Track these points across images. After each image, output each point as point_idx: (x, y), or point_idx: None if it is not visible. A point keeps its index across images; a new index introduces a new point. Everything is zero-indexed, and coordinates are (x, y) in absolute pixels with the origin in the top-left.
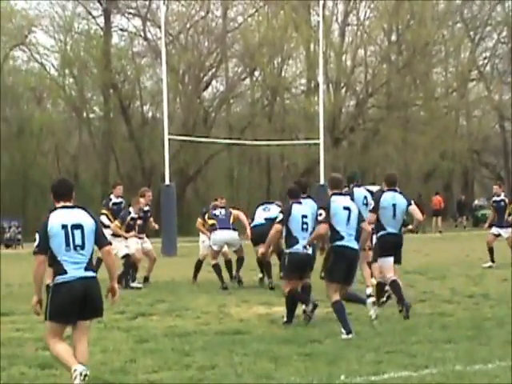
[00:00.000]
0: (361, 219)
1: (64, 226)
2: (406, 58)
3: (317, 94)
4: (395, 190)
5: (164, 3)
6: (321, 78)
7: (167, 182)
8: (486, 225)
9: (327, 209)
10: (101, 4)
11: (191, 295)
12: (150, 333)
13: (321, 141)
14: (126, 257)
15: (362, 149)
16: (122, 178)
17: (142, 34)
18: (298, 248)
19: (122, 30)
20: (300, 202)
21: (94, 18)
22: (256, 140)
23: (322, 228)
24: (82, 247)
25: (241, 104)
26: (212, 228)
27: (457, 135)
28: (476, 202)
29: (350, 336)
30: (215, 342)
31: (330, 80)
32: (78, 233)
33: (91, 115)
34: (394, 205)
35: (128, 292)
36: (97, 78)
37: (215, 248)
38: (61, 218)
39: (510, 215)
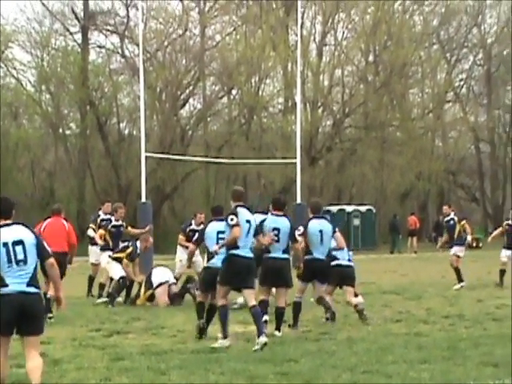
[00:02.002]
0: (258, 232)
1: (5, 244)
2: (383, 78)
3: (294, 114)
4: (321, 217)
5: (142, 20)
6: (298, 98)
7: (143, 199)
8: (438, 245)
9: (236, 215)
10: (78, 21)
11: (167, 313)
12: (125, 351)
13: (297, 160)
14: (123, 279)
15: (339, 168)
16: (98, 195)
17: (120, 51)
18: (214, 262)
19: (99, 46)
20: (221, 220)
21: (71, 34)
22: (233, 158)
23: (236, 231)
24: (25, 262)
25: (218, 122)
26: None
27: (433, 156)
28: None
29: (226, 342)
30: (191, 360)
31: (307, 99)
32: (19, 248)
33: (67, 131)
34: (320, 231)
35: (104, 309)
36: (74, 95)
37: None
38: (2, 235)
39: (460, 233)
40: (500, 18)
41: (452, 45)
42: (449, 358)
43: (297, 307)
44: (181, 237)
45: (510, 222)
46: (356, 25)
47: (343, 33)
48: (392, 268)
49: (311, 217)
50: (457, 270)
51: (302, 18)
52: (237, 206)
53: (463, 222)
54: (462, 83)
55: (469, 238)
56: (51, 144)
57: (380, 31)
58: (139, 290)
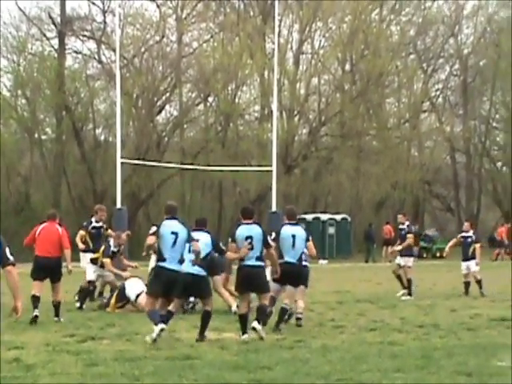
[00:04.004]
0: (190, 239)
1: None
2: (359, 87)
3: (270, 121)
4: (295, 224)
5: (119, 26)
6: (274, 106)
7: (119, 205)
8: (390, 250)
9: (157, 226)
10: (55, 26)
11: (142, 320)
12: (99, 357)
13: (273, 168)
14: (90, 282)
15: (315, 177)
16: (74, 201)
17: (97, 56)
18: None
19: (76, 52)
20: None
21: (48, 39)
22: (209, 165)
23: (150, 239)
24: None
25: (194, 129)
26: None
27: (409, 166)
28: (426, 232)
29: (160, 326)
30: (165, 367)
31: (283, 107)
32: None
33: (43, 137)
34: (293, 235)
35: (78, 315)
36: (50, 100)
37: None
38: None
39: (409, 244)
40: (477, 28)
41: (429, 55)
42: (423, 367)
43: (283, 313)
44: None
45: (464, 234)
46: (333, 33)
47: (320, 41)
48: (367, 277)
49: (286, 222)
50: (399, 279)
51: (279, 26)
52: (165, 219)
53: (410, 235)
54: (438, 93)
55: (399, 247)
56: (27, 149)
57: (357, 40)
58: (110, 298)
